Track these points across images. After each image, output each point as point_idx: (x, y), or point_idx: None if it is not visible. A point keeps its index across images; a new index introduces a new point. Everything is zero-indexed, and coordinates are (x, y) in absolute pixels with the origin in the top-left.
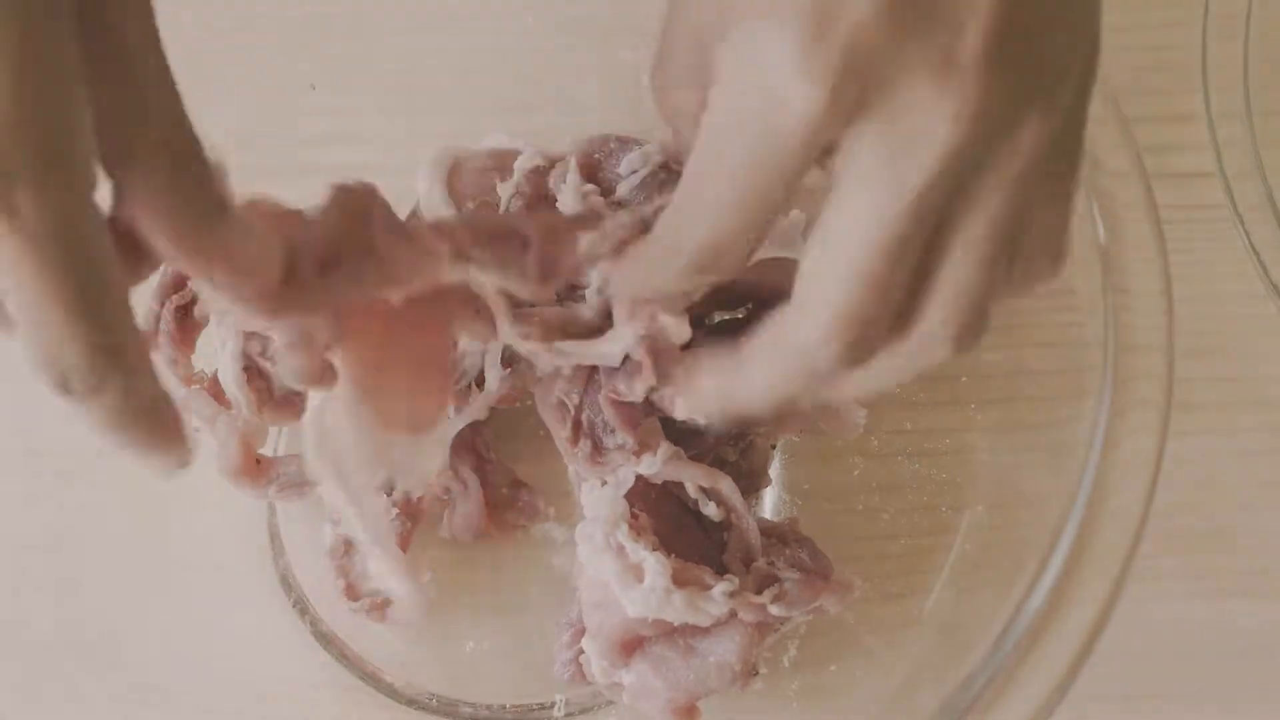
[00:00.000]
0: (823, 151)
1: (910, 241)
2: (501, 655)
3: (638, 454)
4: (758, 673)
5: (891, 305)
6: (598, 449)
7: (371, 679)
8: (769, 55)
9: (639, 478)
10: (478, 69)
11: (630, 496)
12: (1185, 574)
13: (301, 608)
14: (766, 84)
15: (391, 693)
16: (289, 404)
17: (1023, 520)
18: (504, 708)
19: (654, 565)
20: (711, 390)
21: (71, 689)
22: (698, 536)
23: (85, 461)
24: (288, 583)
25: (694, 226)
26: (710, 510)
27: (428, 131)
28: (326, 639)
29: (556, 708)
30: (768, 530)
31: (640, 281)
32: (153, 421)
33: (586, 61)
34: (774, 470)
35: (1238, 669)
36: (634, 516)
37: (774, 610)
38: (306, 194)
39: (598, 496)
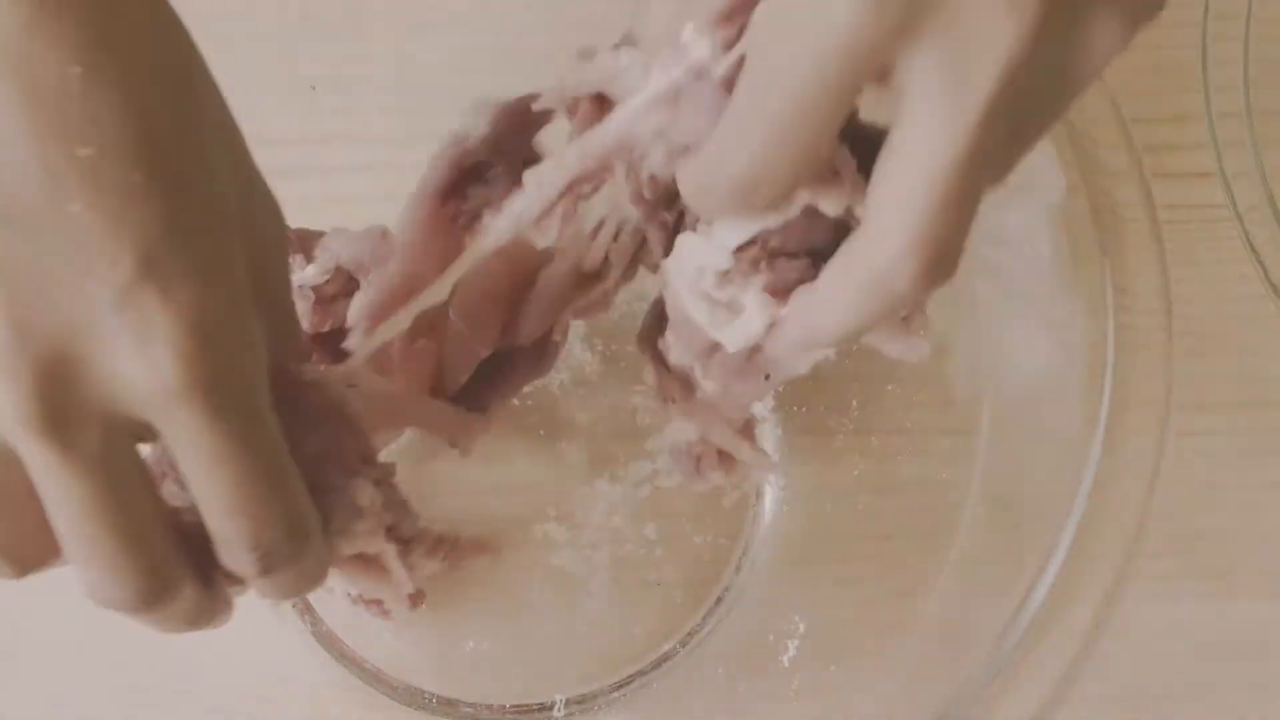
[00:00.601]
0: (879, 74)
1: (983, 153)
2: (501, 655)
3: None
4: None
5: (969, 217)
6: None
7: (371, 679)
8: None
9: None
10: (478, 69)
11: None
12: (1185, 574)
13: (301, 608)
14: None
15: (391, 693)
16: None
17: (1023, 520)
18: (504, 708)
19: (755, 298)
20: (793, 324)
21: (71, 689)
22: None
23: None
24: None
25: (734, 155)
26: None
27: (428, 131)
28: (326, 639)
29: (556, 708)
30: None
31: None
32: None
33: None
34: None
35: (1238, 669)
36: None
37: None
38: (307, 193)
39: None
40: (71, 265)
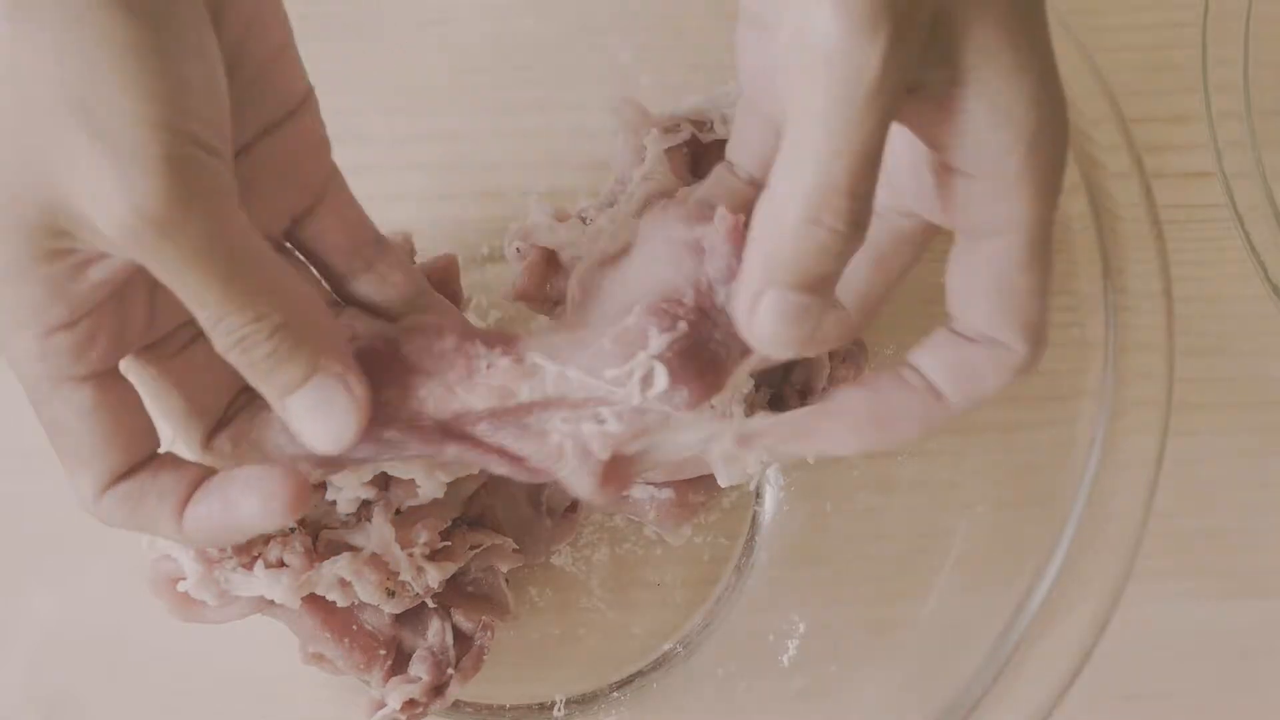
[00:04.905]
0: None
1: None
2: (501, 655)
3: None
4: None
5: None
6: None
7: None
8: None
9: None
10: (478, 69)
11: None
12: (1185, 574)
13: None
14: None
15: None
16: None
17: (1023, 520)
18: (504, 708)
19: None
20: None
21: (71, 689)
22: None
23: None
24: None
25: (805, 167)
26: None
27: (428, 131)
28: None
29: (556, 708)
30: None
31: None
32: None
33: (586, 61)
34: (774, 470)
35: (1238, 669)
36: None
37: None
38: None
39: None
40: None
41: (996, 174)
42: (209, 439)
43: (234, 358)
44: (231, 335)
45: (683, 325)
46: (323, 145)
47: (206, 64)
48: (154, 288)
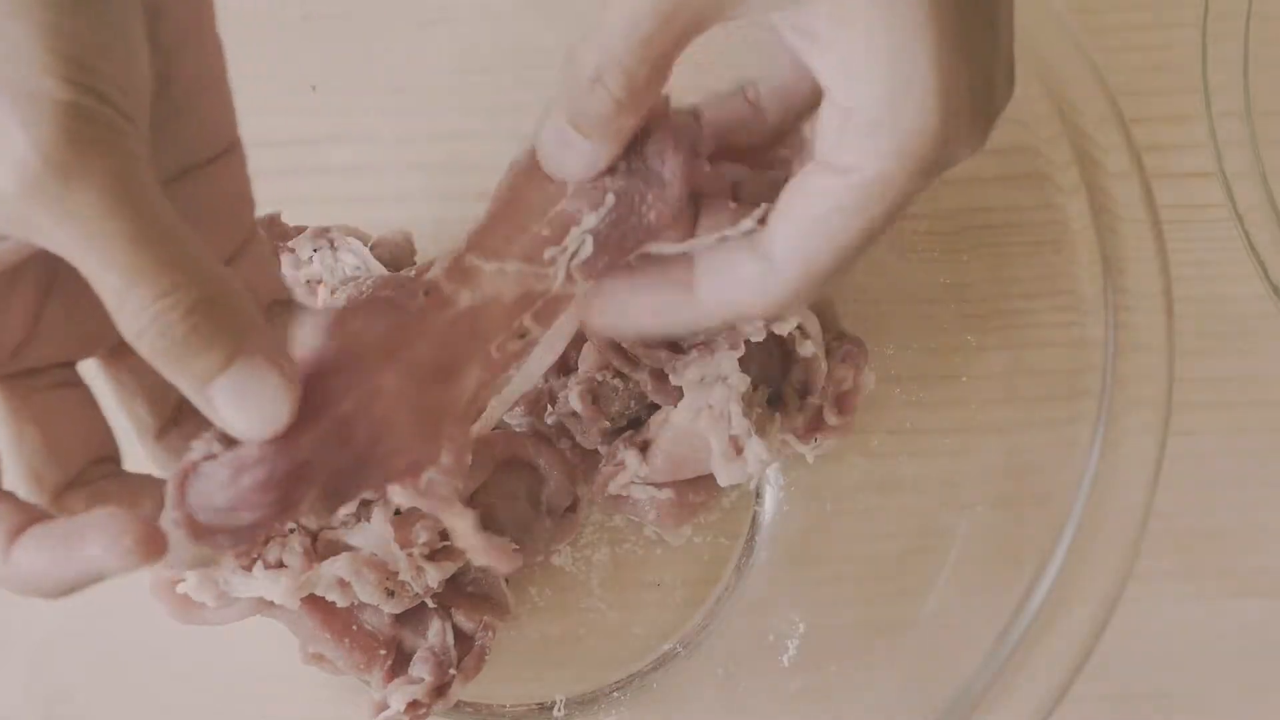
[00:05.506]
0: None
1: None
2: (501, 655)
3: None
4: None
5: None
6: None
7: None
8: None
9: None
10: (478, 69)
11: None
12: (1185, 574)
13: None
14: None
15: None
16: None
17: (1023, 520)
18: (504, 708)
19: (757, 447)
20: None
21: (71, 690)
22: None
23: None
24: None
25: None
26: (806, 349)
27: (428, 131)
28: None
29: (556, 708)
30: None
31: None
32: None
33: None
34: (774, 470)
35: (1238, 669)
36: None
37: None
38: (308, 193)
39: (723, 360)
40: None
41: (853, 104)
42: (60, 493)
43: (147, 343)
44: (145, 312)
45: (610, 198)
46: (244, 203)
47: (128, 44)
48: (38, 308)
